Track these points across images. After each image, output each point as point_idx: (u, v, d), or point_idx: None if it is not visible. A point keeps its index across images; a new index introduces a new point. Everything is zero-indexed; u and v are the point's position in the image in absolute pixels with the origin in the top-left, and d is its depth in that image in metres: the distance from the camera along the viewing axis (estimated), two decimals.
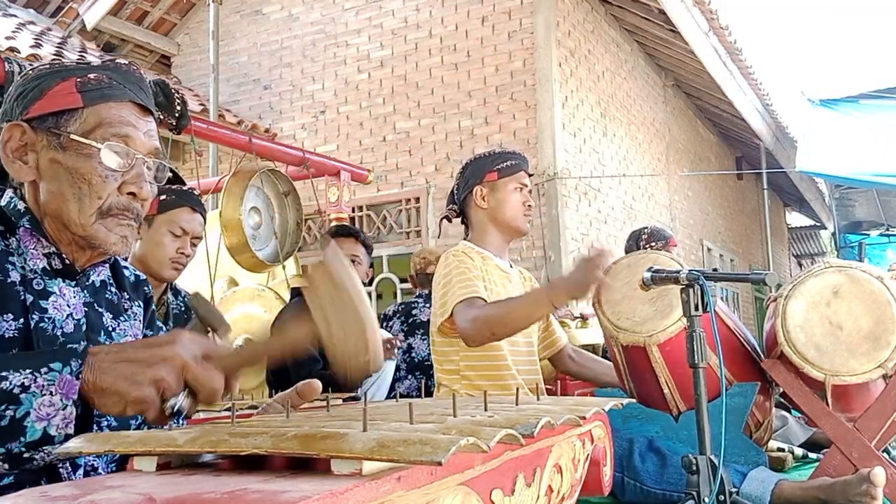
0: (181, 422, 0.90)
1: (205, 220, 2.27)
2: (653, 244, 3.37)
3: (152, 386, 0.83)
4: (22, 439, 0.82)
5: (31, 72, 1.10)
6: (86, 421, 0.88)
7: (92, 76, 1.07)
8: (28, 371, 0.83)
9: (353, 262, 3.14)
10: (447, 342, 2.23)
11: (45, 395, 0.82)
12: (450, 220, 2.42)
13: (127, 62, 1.16)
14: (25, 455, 0.84)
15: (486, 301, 2.09)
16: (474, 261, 2.22)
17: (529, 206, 2.34)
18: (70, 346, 0.89)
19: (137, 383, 0.82)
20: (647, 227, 3.65)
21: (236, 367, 0.87)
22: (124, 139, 1.06)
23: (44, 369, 0.83)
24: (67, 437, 0.82)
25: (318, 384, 1.26)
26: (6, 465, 0.86)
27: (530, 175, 2.38)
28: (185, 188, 2.15)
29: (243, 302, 3.84)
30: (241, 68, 7.74)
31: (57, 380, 0.83)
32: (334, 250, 0.85)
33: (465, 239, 2.38)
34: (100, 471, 1.06)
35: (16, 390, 0.83)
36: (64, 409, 0.83)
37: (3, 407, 0.82)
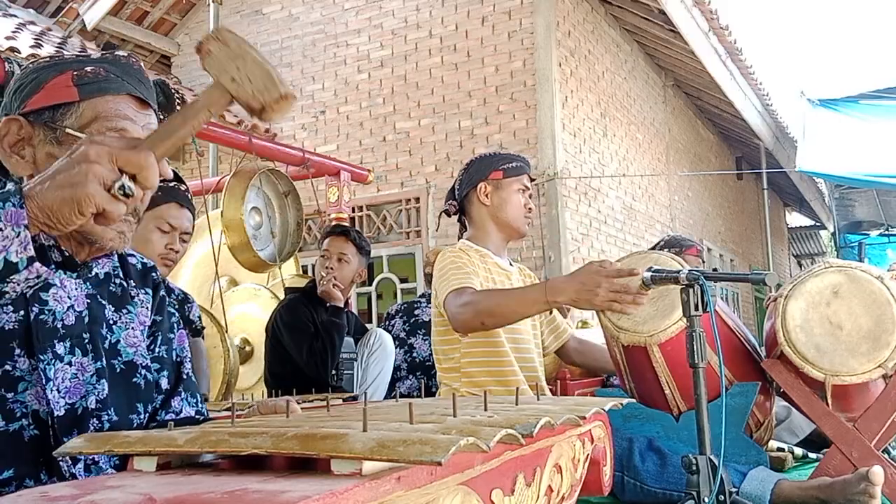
0: (128, 193, 0.87)
1: (194, 216, 2.26)
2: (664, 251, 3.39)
3: (91, 179, 0.82)
4: None
5: (29, 66, 1.09)
6: (41, 254, 0.88)
7: (88, 69, 1.06)
8: None
9: (340, 259, 3.15)
10: (447, 340, 2.23)
11: None
12: (449, 215, 2.43)
13: (126, 54, 1.14)
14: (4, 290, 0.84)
15: (476, 290, 2.08)
16: (471, 258, 2.22)
17: (530, 209, 2.35)
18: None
19: (77, 183, 0.82)
20: (664, 237, 3.68)
21: (159, 144, 0.87)
22: (121, 133, 1.05)
23: None
24: (30, 260, 0.84)
25: (296, 407, 1.27)
26: None
27: (532, 180, 2.40)
28: (172, 184, 2.14)
29: (240, 302, 3.85)
30: None
31: (2, 215, 0.83)
32: (223, 28, 0.91)
33: (461, 238, 2.39)
34: (101, 465, 1.05)
35: None
36: (18, 235, 0.83)
37: None
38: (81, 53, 1.17)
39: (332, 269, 3.13)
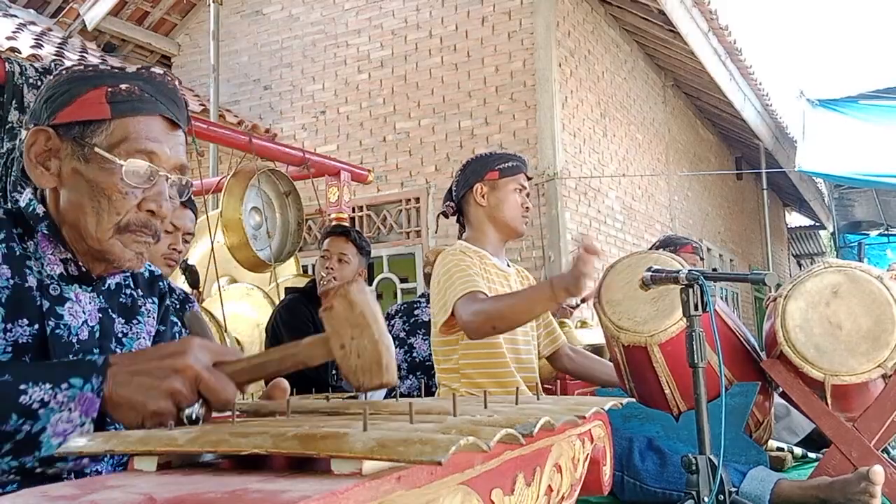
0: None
1: (196, 216, 2.27)
2: (662, 251, 3.40)
3: (168, 398, 0.82)
4: (36, 454, 0.81)
5: (63, 72, 1.07)
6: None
7: (123, 87, 1.04)
8: (48, 385, 0.82)
9: (340, 260, 3.17)
10: (446, 341, 2.23)
11: (63, 411, 0.81)
12: (447, 217, 2.43)
13: (162, 72, 1.13)
14: (38, 470, 0.83)
15: (487, 295, 2.10)
16: (472, 259, 2.22)
17: (527, 208, 2.36)
18: (89, 357, 0.89)
19: (153, 396, 0.82)
20: (661, 237, 3.70)
21: (246, 378, 0.88)
22: (149, 155, 1.04)
23: (64, 385, 0.82)
24: (81, 455, 0.82)
25: (285, 384, 1.27)
26: (17, 478, 0.86)
27: (529, 178, 2.41)
28: None
29: (233, 301, 3.84)
30: (242, 69, 7.74)
31: (77, 396, 0.81)
32: (360, 283, 0.88)
33: (460, 239, 2.39)
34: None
35: (35, 405, 0.81)
36: (82, 425, 0.82)
37: (20, 421, 0.81)
38: (82, 56, 1.14)
39: (332, 269, 3.14)
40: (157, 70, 1.13)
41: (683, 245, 3.47)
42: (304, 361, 0.87)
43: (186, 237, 2.22)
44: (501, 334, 2.13)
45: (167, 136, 1.07)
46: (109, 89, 1.04)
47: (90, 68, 1.09)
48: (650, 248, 3.55)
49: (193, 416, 0.83)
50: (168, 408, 0.82)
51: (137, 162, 1.03)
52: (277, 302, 3.69)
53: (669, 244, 3.48)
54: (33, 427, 0.81)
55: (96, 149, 1.02)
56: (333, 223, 4.14)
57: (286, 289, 3.54)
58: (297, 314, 3.10)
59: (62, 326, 1.02)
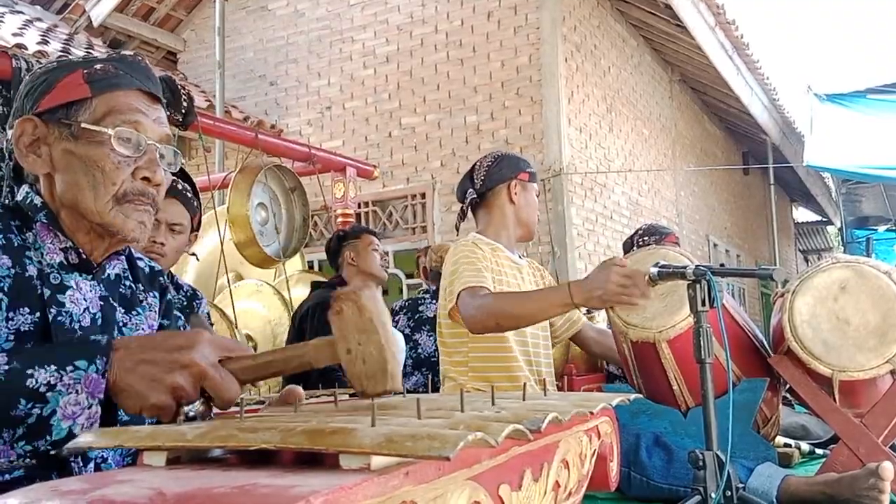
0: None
1: (191, 208, 2.15)
2: (646, 239, 3.33)
3: (170, 393, 0.82)
4: (48, 437, 0.83)
5: (39, 69, 1.11)
6: (109, 416, 0.87)
7: (98, 67, 1.08)
8: (54, 368, 0.83)
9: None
10: (455, 333, 2.23)
11: (70, 393, 0.82)
12: (472, 204, 2.42)
13: (132, 53, 1.17)
14: (52, 452, 0.84)
15: (490, 291, 2.10)
16: (484, 251, 2.23)
17: (538, 214, 2.47)
18: (93, 338, 0.90)
19: (156, 389, 0.82)
20: (643, 225, 3.63)
21: (252, 377, 0.88)
22: (134, 125, 1.07)
23: (69, 367, 0.83)
24: (91, 449, 0.83)
25: (300, 391, 1.27)
26: (32, 461, 0.87)
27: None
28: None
29: (243, 298, 3.85)
30: (247, 64, 7.75)
31: (83, 378, 0.83)
32: (372, 291, 0.88)
33: (458, 228, 2.43)
34: (110, 462, 1.06)
35: (42, 388, 0.83)
36: (89, 407, 0.83)
37: (30, 405, 0.82)
38: (88, 52, 1.17)
39: (386, 266, 3.31)
40: (128, 52, 1.17)
41: (668, 235, 3.42)
42: (310, 363, 0.87)
43: (174, 227, 2.12)
44: (505, 331, 2.12)
45: (149, 109, 1.10)
46: (86, 71, 1.07)
47: (63, 59, 1.13)
48: (632, 235, 3.49)
49: (192, 413, 0.84)
50: (168, 402, 0.83)
51: (125, 129, 1.06)
52: (287, 297, 3.70)
53: (655, 233, 3.43)
54: (43, 410, 0.83)
55: (83, 124, 1.05)
56: (351, 223, 4.22)
57: (312, 283, 3.53)
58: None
59: (64, 314, 1.03)
